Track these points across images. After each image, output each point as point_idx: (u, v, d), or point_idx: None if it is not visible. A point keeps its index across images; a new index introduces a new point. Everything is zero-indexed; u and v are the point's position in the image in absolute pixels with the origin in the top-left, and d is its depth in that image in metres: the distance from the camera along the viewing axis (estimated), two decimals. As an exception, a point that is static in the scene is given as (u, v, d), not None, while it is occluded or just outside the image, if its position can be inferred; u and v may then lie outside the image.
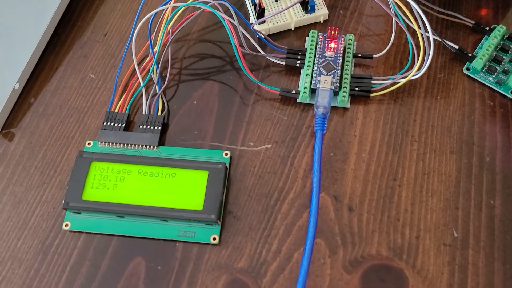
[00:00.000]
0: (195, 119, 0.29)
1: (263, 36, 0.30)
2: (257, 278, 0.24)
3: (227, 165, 0.26)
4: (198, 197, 0.25)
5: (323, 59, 0.29)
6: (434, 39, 0.29)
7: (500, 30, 0.29)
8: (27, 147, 0.28)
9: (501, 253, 0.24)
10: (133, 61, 0.29)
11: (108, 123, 0.28)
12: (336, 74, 0.28)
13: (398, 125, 0.28)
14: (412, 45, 0.28)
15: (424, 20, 0.26)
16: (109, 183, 0.25)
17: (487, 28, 0.30)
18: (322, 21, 0.31)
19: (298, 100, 0.28)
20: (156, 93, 0.29)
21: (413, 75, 0.28)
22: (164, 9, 0.29)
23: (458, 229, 0.25)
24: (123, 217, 0.25)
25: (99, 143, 0.27)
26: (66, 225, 0.25)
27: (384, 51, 0.29)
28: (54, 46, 0.32)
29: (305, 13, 0.31)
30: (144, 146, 0.27)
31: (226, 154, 0.27)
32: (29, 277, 0.24)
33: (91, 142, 0.28)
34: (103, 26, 0.32)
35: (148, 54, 0.30)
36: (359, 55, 0.29)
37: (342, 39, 0.29)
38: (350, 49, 0.29)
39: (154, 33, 0.30)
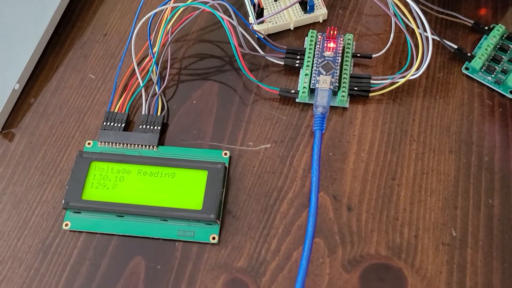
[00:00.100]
0: (195, 119, 0.29)
1: (262, 36, 0.30)
2: (257, 277, 0.24)
3: (227, 165, 0.26)
4: (197, 196, 0.25)
5: (322, 59, 0.29)
6: (433, 39, 0.29)
7: (499, 30, 0.29)
8: (27, 147, 0.28)
9: (499, 252, 0.24)
10: (132, 61, 0.29)
11: (108, 123, 0.28)
12: (335, 74, 0.28)
13: (397, 125, 0.28)
14: (411, 45, 0.28)
15: (422, 19, 0.26)
16: (109, 183, 0.26)
17: (486, 28, 0.30)
18: (321, 21, 0.32)
19: (297, 100, 0.29)
20: (156, 93, 0.29)
21: (412, 75, 0.28)
22: (163, 9, 0.29)
23: (457, 229, 0.25)
24: (123, 216, 0.25)
25: (99, 143, 0.27)
26: (66, 225, 0.25)
27: (383, 51, 0.29)
28: (54, 46, 0.32)
29: (304, 13, 0.31)
30: (143, 146, 0.27)
31: (226, 154, 0.27)
32: (29, 276, 0.25)
33: (91, 142, 0.28)
34: (102, 26, 0.32)
35: (148, 54, 0.30)
36: (358, 54, 0.30)
37: (341, 39, 0.29)
38: (349, 49, 0.29)
39: (154, 33, 0.30)
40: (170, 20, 0.29)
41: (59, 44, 0.32)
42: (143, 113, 0.28)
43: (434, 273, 0.24)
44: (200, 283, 0.24)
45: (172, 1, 0.29)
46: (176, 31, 0.30)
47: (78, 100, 0.30)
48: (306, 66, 0.29)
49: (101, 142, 0.27)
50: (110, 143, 0.27)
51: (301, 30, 0.31)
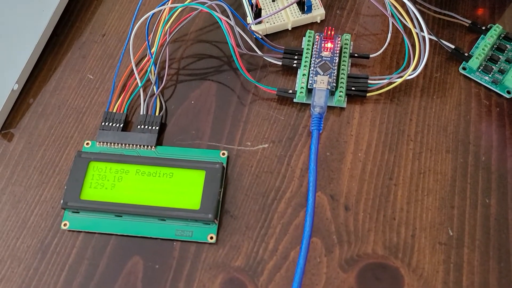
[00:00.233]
0: (193, 119, 0.29)
1: (260, 36, 0.30)
2: (254, 276, 0.24)
3: (224, 164, 0.27)
4: (195, 196, 0.25)
5: (320, 59, 0.29)
6: (430, 39, 0.30)
7: (496, 30, 0.30)
8: (26, 147, 0.28)
9: (496, 251, 0.24)
10: (131, 61, 0.29)
11: (106, 123, 0.28)
12: (332, 74, 0.28)
13: (394, 125, 0.28)
14: (408, 45, 0.28)
15: (419, 19, 0.26)
16: (107, 183, 0.26)
17: (483, 28, 0.30)
18: (319, 21, 0.32)
19: (295, 100, 0.29)
20: (154, 94, 0.29)
21: (409, 75, 0.28)
22: (161, 10, 0.29)
23: (454, 228, 0.25)
24: (121, 216, 0.25)
25: (97, 143, 0.27)
26: (65, 225, 0.26)
27: (381, 51, 0.30)
28: (53, 47, 0.32)
29: (302, 13, 0.31)
30: (142, 146, 0.27)
31: (224, 154, 0.27)
32: (28, 276, 0.25)
33: (89, 142, 0.28)
34: (101, 27, 0.33)
35: (146, 54, 0.30)
36: (356, 55, 0.30)
37: (339, 39, 0.29)
38: (347, 49, 0.29)
39: (152, 33, 0.30)
40: (168, 20, 0.30)
41: (58, 45, 0.32)
42: (141, 113, 0.28)
43: (431, 272, 0.24)
44: (198, 283, 0.24)
45: (170, 2, 0.29)
46: (174, 32, 0.30)
47: (77, 100, 0.30)
48: (304, 66, 0.29)
49: (100, 142, 0.27)
50: (108, 143, 0.27)
51: (299, 30, 0.31)
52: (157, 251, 0.25)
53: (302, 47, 0.30)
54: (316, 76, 0.28)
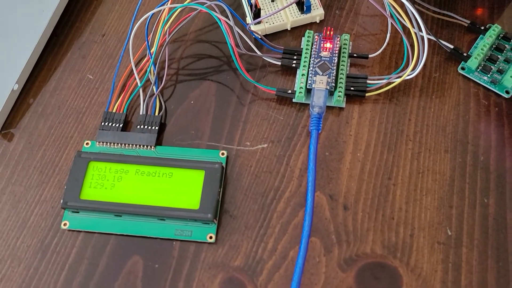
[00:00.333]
0: (192, 119, 0.29)
1: (259, 37, 0.30)
2: (253, 276, 0.24)
3: (224, 164, 0.27)
4: (194, 196, 0.25)
5: (319, 59, 0.29)
6: (429, 39, 0.30)
7: (495, 30, 0.30)
8: (26, 147, 0.28)
9: (494, 251, 0.24)
10: (130, 61, 0.29)
11: (106, 123, 0.28)
12: (331, 74, 0.28)
13: (393, 125, 0.28)
14: (407, 45, 0.28)
15: (418, 20, 0.26)
16: (107, 182, 0.26)
17: (482, 28, 0.30)
18: (318, 21, 0.32)
19: (294, 100, 0.29)
20: (154, 94, 0.29)
21: (408, 75, 0.28)
22: (161, 10, 0.29)
23: (452, 228, 0.25)
24: (121, 216, 0.26)
25: (97, 143, 0.28)
26: (65, 224, 0.26)
27: (380, 51, 0.30)
28: (53, 47, 0.32)
29: (301, 14, 0.31)
30: (141, 146, 0.27)
31: (223, 154, 0.27)
32: (28, 275, 0.25)
33: (89, 142, 0.28)
34: (101, 27, 0.33)
35: (146, 54, 0.30)
36: (355, 55, 0.30)
37: (338, 39, 0.29)
38: (346, 49, 0.29)
39: (151, 34, 0.30)
40: (167, 21, 0.30)
41: (57, 45, 0.32)
42: (141, 113, 0.28)
43: (429, 271, 0.24)
44: (197, 282, 0.24)
45: (169, 2, 0.29)
46: (173, 32, 0.30)
47: (77, 100, 0.30)
48: (303, 66, 0.29)
49: (99, 142, 0.28)
50: (108, 143, 0.27)
51: (298, 31, 0.32)
52: (156, 250, 0.25)
53: (301, 47, 0.30)
54: (315, 76, 0.28)
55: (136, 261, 0.25)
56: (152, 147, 0.27)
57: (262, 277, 0.24)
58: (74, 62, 0.31)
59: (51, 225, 0.26)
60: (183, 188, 0.25)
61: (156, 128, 0.28)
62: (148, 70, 0.29)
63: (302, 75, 0.28)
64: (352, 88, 0.28)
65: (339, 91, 0.28)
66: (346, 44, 0.29)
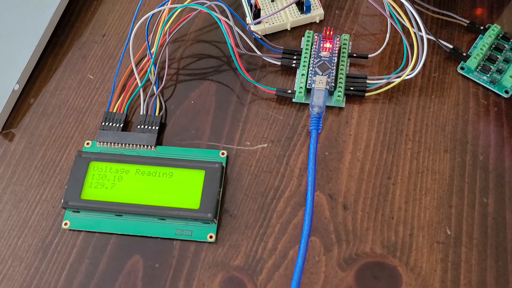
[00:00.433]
0: (192, 119, 0.29)
1: (259, 37, 0.30)
2: (253, 275, 0.24)
3: (224, 164, 0.27)
4: (195, 196, 0.25)
5: (319, 59, 0.29)
6: (429, 39, 0.30)
7: (494, 30, 0.30)
8: (27, 147, 0.29)
9: (493, 250, 0.25)
10: (131, 61, 0.30)
11: (107, 123, 0.28)
12: (331, 74, 0.28)
13: (392, 124, 0.28)
14: (406, 45, 0.28)
15: (417, 19, 0.26)
16: (108, 182, 0.26)
17: (481, 28, 0.30)
18: (318, 21, 0.32)
19: (293, 100, 0.29)
20: (154, 94, 0.29)
21: (408, 75, 0.28)
22: (161, 10, 0.30)
23: (451, 227, 0.25)
24: (121, 216, 0.26)
25: (98, 143, 0.28)
26: (66, 224, 0.26)
27: (379, 51, 0.30)
28: (53, 47, 0.32)
29: (301, 14, 0.31)
30: (142, 146, 0.27)
31: (223, 154, 0.27)
32: (29, 275, 0.25)
33: (89, 142, 0.28)
34: (101, 27, 0.33)
35: (146, 54, 0.30)
36: (354, 55, 0.30)
37: (337, 39, 0.29)
38: (345, 49, 0.29)
39: (152, 34, 0.30)
40: (167, 21, 0.30)
41: (58, 45, 0.32)
42: (141, 113, 0.28)
43: (429, 271, 0.24)
44: (198, 281, 0.24)
45: (169, 2, 0.29)
46: (173, 32, 0.30)
47: (77, 100, 0.30)
48: (303, 66, 0.29)
49: (100, 142, 0.28)
50: (108, 143, 0.28)
51: (297, 31, 0.32)
52: (157, 250, 0.25)
53: (301, 47, 0.30)
54: (315, 76, 0.28)
55: (136, 261, 0.25)
56: (153, 147, 0.27)
57: (262, 277, 0.24)
58: (75, 62, 0.31)
59: (52, 224, 0.26)
60: (183, 188, 0.26)
61: (156, 128, 0.28)
62: (149, 70, 0.29)
63: (302, 75, 0.29)
64: (351, 88, 0.28)
65: (338, 91, 0.28)
66: (346, 44, 0.30)
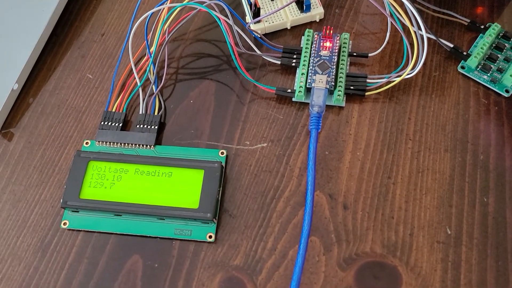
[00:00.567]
0: (192, 118, 0.29)
1: (259, 36, 0.30)
2: (253, 275, 0.24)
3: (223, 164, 0.27)
4: (194, 195, 0.25)
5: (319, 58, 0.29)
6: (429, 38, 0.30)
7: (495, 29, 0.30)
8: (26, 147, 0.29)
9: (494, 250, 0.24)
10: (130, 61, 0.29)
11: (106, 123, 0.28)
12: (331, 73, 0.28)
13: (393, 124, 0.28)
14: (406, 44, 0.28)
15: (417, 18, 0.26)
16: (107, 182, 0.26)
17: (482, 27, 0.30)
18: (318, 20, 0.32)
19: (293, 99, 0.29)
20: (153, 93, 0.29)
21: (408, 74, 0.28)
22: (160, 9, 0.29)
23: (452, 227, 0.25)
24: (121, 215, 0.26)
25: (97, 142, 0.28)
26: (65, 224, 0.26)
27: (379, 50, 0.30)
28: (52, 47, 0.32)
29: (300, 12, 0.31)
30: (141, 145, 0.27)
31: (222, 153, 0.27)
32: (28, 274, 0.25)
33: (88, 141, 0.28)
34: (100, 26, 0.33)
35: (145, 54, 0.30)
36: (354, 54, 0.30)
37: (338, 38, 0.29)
38: (345, 48, 0.29)
39: (151, 33, 0.30)
40: (167, 20, 0.30)
41: (57, 44, 0.32)
42: (140, 112, 0.28)
43: (429, 270, 0.24)
44: (197, 281, 0.24)
45: (169, 1, 0.29)
46: (173, 31, 0.30)
47: (76, 99, 0.30)
48: (303, 65, 0.29)
49: (99, 141, 0.28)
50: (107, 143, 0.28)
51: (297, 30, 0.31)
52: (156, 250, 0.25)
53: (301, 46, 0.30)
54: (314, 75, 0.28)
55: (135, 260, 0.25)
56: (152, 146, 0.27)
57: (262, 276, 0.24)
58: (74, 62, 0.31)
59: (51, 224, 0.26)
60: (182, 188, 0.25)
61: (156, 127, 0.28)
62: (148, 69, 0.29)
63: (302, 74, 0.28)
64: (351, 87, 0.28)
65: (338, 90, 0.28)
66: (346, 43, 0.29)
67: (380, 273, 0.24)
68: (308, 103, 0.29)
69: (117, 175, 0.26)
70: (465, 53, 0.29)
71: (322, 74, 0.28)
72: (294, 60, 0.29)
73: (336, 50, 0.29)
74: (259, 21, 0.31)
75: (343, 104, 0.29)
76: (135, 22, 0.30)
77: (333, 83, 0.28)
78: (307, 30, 0.30)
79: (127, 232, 0.25)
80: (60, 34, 0.32)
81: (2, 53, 0.30)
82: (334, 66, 0.29)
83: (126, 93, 0.29)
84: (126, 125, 0.29)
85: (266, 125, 0.28)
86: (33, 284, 0.25)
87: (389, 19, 0.29)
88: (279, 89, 0.29)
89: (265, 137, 0.28)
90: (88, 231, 0.26)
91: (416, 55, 0.27)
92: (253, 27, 0.30)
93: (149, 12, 0.28)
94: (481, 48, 0.29)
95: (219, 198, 0.26)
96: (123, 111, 0.29)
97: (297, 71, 0.30)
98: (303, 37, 0.30)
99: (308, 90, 0.28)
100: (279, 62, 0.30)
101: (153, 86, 0.29)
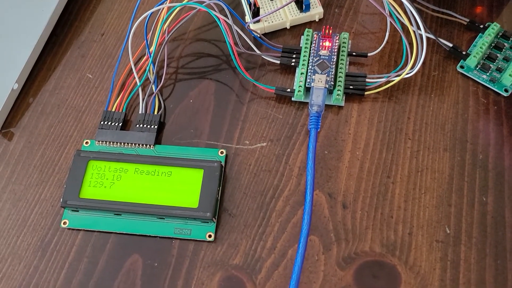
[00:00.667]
0: (191, 118, 0.29)
1: (258, 35, 0.30)
2: (252, 274, 0.24)
3: (223, 163, 0.27)
4: (193, 195, 0.25)
5: (318, 58, 0.29)
6: (428, 37, 0.30)
7: (494, 28, 0.30)
8: (26, 146, 0.29)
9: (492, 249, 0.24)
10: (129, 60, 0.29)
11: (105, 122, 0.28)
12: (330, 73, 0.28)
13: (392, 123, 0.28)
14: (406, 43, 0.28)
15: (416, 18, 0.26)
16: (106, 181, 0.26)
17: (481, 26, 0.30)
18: (317, 20, 0.32)
19: (293, 99, 0.29)
20: (153, 92, 0.29)
21: (407, 73, 0.28)
22: (160, 9, 0.30)
23: (451, 226, 0.25)
24: (120, 215, 0.26)
25: (97, 142, 0.28)
26: (65, 223, 0.26)
27: (379, 50, 0.30)
28: (52, 46, 0.32)
29: (300, 12, 0.31)
30: (140, 145, 0.27)
31: (222, 153, 0.27)
32: (28, 273, 0.25)
33: (88, 141, 0.28)
34: (100, 26, 0.33)
35: (145, 53, 0.30)
36: (354, 53, 0.30)
37: (337, 38, 0.29)
38: (345, 47, 0.29)
39: (151, 32, 0.30)
40: (166, 19, 0.30)
41: (57, 44, 0.32)
42: (140, 112, 0.28)
43: (428, 269, 0.24)
44: (197, 280, 0.24)
45: (168, 1, 0.29)
46: (172, 31, 0.30)
47: (76, 99, 0.30)
48: (302, 65, 0.29)
49: (99, 141, 0.28)
50: (107, 142, 0.28)
51: (297, 29, 0.32)
52: (156, 249, 0.25)
53: (300, 45, 0.30)
54: (314, 74, 0.28)
55: (135, 260, 0.25)
56: (151, 146, 0.27)
57: (261, 275, 0.24)
58: (74, 61, 0.31)
59: (51, 223, 0.26)
60: (182, 187, 0.26)
61: (155, 127, 0.28)
62: (147, 69, 0.29)
63: (301, 73, 0.28)
64: (351, 87, 0.28)
65: (338, 90, 0.28)
66: (345, 43, 0.29)
67: (379, 272, 0.24)
68: (307, 103, 0.29)
69: (116, 174, 0.26)
70: (464, 53, 0.29)
71: (321, 73, 0.28)
72: (293, 60, 0.29)
73: (336, 50, 0.29)
74: (258, 21, 0.31)
75: (343, 104, 0.29)
76: (134, 22, 0.30)
77: (333, 83, 0.28)
78: (306, 29, 0.30)
79: (127, 231, 0.25)
80: (60, 34, 0.32)
81: (2, 53, 0.30)
82: (334, 66, 0.29)
83: (125, 92, 0.29)
84: (125, 125, 0.29)
85: (265, 124, 0.28)
86: (33, 283, 0.25)
87: (389, 19, 0.29)
88: (279, 88, 0.29)
89: (265, 136, 0.28)
90: (88, 230, 0.26)
91: (415, 54, 0.27)
92: (252, 26, 0.31)
93: (149, 12, 0.29)
94: (480, 47, 0.29)
95: (219, 198, 0.26)
96: (122, 110, 0.29)
97: (296, 70, 0.30)
98: (302, 36, 0.30)
99: (308, 90, 0.28)
100: (278, 62, 0.30)
101: (153, 86, 0.29)
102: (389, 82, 0.28)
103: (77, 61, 0.31)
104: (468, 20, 0.31)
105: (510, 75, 0.28)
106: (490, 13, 0.31)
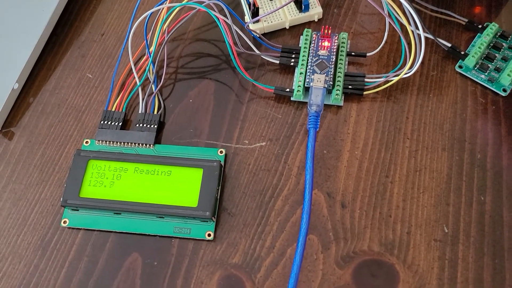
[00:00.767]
0: (191, 117, 0.29)
1: (257, 35, 0.30)
2: (251, 273, 0.25)
3: (222, 162, 0.27)
4: (193, 194, 0.25)
5: (317, 58, 0.29)
6: (427, 37, 0.30)
7: (492, 28, 0.30)
8: (26, 146, 0.29)
9: (490, 248, 0.25)
10: (129, 60, 0.30)
11: (105, 122, 0.28)
12: (329, 73, 0.28)
13: (390, 123, 0.28)
14: (404, 44, 0.28)
15: (415, 18, 0.26)
16: (106, 181, 0.26)
17: (480, 26, 0.30)
18: (316, 20, 0.32)
19: (292, 99, 0.29)
20: (152, 92, 0.29)
21: (406, 73, 0.28)
22: (159, 9, 0.30)
23: (449, 225, 0.25)
24: (120, 214, 0.26)
25: (96, 141, 0.28)
26: (65, 222, 0.26)
27: (377, 49, 0.30)
28: (52, 46, 0.32)
29: (299, 12, 0.31)
30: (140, 144, 0.28)
31: (221, 152, 0.27)
32: (29, 272, 0.25)
33: (88, 140, 0.28)
34: (100, 26, 0.33)
35: (145, 53, 0.30)
36: (353, 53, 0.30)
37: (336, 38, 0.30)
38: (344, 47, 0.29)
39: (150, 32, 0.30)
40: (166, 19, 0.30)
41: (57, 44, 0.32)
42: (140, 112, 0.29)
43: (426, 268, 0.24)
44: (196, 279, 0.25)
45: (168, 1, 0.29)
46: (172, 31, 0.30)
47: (76, 99, 0.30)
48: (301, 64, 0.29)
49: (99, 140, 0.28)
50: (107, 142, 0.28)
51: (296, 29, 0.32)
52: (155, 248, 0.25)
53: (299, 45, 0.30)
54: (313, 74, 0.28)
55: (135, 259, 0.25)
56: (151, 145, 0.28)
57: (260, 274, 0.25)
58: (74, 61, 0.32)
59: (51, 223, 0.26)
60: (181, 186, 0.26)
61: (155, 126, 0.28)
62: (147, 68, 0.29)
63: (300, 73, 0.29)
64: (350, 87, 0.28)
65: (337, 90, 0.28)
66: (344, 43, 0.30)
67: (377, 271, 0.24)
68: (306, 102, 0.29)
69: (116, 173, 0.26)
70: (462, 53, 0.29)
71: (320, 73, 0.28)
72: (292, 60, 0.30)
73: (335, 50, 0.29)
74: (258, 21, 0.31)
75: (341, 103, 0.29)
76: (134, 22, 0.30)
77: (331, 83, 0.28)
78: (305, 29, 0.30)
79: (126, 230, 0.26)
80: (60, 34, 0.33)
81: (2, 53, 0.30)
82: (333, 66, 0.29)
83: (125, 92, 0.29)
84: (125, 124, 0.29)
85: (264, 124, 0.29)
86: (33, 282, 0.25)
87: (387, 19, 0.29)
88: (278, 88, 0.29)
89: (264, 136, 0.28)
90: (88, 230, 0.26)
91: (414, 54, 0.27)
92: (252, 26, 0.31)
93: (149, 12, 0.29)
94: (479, 47, 0.29)
95: (218, 197, 0.26)
96: (122, 110, 0.29)
97: (295, 70, 0.30)
98: (301, 36, 0.30)
99: (307, 90, 0.29)
100: (277, 62, 0.30)
101: (153, 86, 0.29)
102: (387, 82, 0.29)
103: (77, 61, 0.32)
104: (466, 20, 0.31)
105: (508, 75, 0.28)
106: (489, 13, 0.32)
